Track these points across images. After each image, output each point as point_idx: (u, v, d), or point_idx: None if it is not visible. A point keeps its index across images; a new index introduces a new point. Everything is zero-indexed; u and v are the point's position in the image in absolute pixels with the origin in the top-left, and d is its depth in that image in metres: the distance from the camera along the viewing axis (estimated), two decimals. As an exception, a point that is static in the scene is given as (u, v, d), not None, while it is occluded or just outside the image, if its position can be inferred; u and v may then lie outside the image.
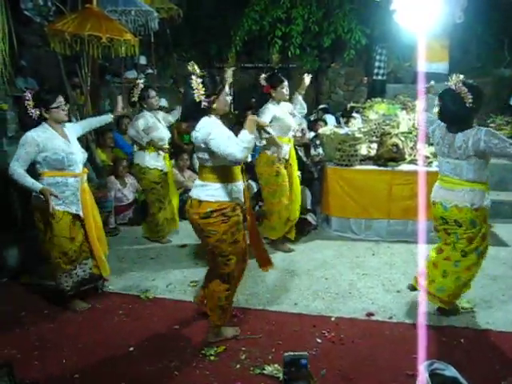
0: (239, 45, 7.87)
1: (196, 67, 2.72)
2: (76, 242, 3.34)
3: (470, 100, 2.93)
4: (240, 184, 2.84)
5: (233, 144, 2.56)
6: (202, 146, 2.67)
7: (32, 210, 3.32)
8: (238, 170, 2.83)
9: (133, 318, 3.40)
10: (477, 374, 2.64)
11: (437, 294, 3.28)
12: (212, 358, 2.88)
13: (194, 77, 2.66)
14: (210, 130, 2.62)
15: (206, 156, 2.71)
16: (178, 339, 3.08)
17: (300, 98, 4.69)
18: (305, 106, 4.79)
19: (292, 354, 2.31)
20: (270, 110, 4.31)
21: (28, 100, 3.16)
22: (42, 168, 3.22)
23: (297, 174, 4.70)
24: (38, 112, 3.18)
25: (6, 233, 4.36)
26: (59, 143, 3.21)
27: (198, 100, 2.63)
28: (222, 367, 2.79)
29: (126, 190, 5.51)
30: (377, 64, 8.30)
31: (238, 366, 2.80)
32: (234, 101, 9.26)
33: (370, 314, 3.43)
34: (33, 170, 3.24)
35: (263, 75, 4.44)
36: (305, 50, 8.11)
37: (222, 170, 2.74)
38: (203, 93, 2.64)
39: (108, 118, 3.90)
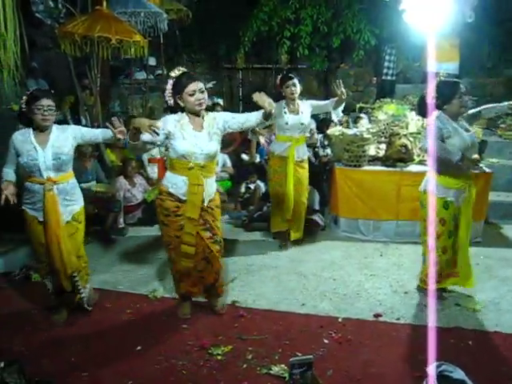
0: (248, 46, 7.87)
1: (176, 71, 3.06)
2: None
3: None
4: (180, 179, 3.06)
5: None
6: None
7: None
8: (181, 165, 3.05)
9: (140, 317, 3.43)
10: (484, 376, 2.64)
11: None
12: (219, 357, 2.89)
13: (170, 81, 3.06)
14: None
15: None
16: (186, 338, 3.10)
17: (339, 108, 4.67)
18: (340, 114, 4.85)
19: (298, 358, 2.32)
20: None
21: (22, 100, 3.13)
22: (23, 171, 3.17)
23: (303, 174, 4.63)
24: (24, 109, 3.09)
25: (17, 232, 4.42)
26: (28, 148, 3.06)
27: (166, 99, 3.07)
28: (229, 367, 2.80)
29: (135, 190, 5.54)
30: (386, 64, 8.25)
31: (245, 365, 2.81)
32: (242, 101, 9.28)
33: (377, 315, 3.42)
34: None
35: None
36: (313, 51, 8.09)
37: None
38: (170, 94, 3.04)
39: (109, 133, 3.39)
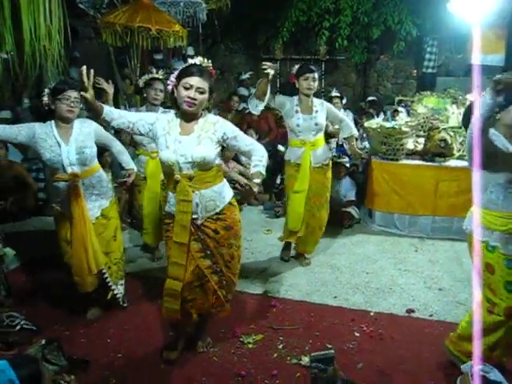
0: (286, 36, 7.83)
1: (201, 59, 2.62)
2: None
3: None
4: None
5: None
6: None
7: None
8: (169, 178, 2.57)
9: (174, 303, 3.49)
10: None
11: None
12: (250, 345, 2.93)
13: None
14: None
15: None
16: (218, 326, 3.13)
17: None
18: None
19: (318, 353, 2.31)
20: (282, 97, 4.00)
21: (44, 92, 3.01)
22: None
23: (323, 183, 4.02)
24: (46, 101, 2.97)
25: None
26: (51, 143, 2.95)
27: (168, 84, 2.61)
28: (260, 355, 2.83)
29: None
30: (427, 56, 8.05)
31: (276, 354, 2.84)
32: (280, 92, 9.23)
33: (410, 311, 3.39)
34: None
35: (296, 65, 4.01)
36: (353, 42, 7.96)
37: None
38: (173, 80, 2.55)
39: (132, 167, 3.44)
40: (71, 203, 2.99)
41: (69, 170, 2.95)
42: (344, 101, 6.85)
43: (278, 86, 8.75)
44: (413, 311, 3.38)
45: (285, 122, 3.99)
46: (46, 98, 2.95)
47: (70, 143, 2.95)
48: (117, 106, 5.91)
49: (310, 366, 2.06)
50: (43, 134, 2.94)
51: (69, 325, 3.16)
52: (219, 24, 7.34)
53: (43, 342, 2.64)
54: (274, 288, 3.71)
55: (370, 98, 7.67)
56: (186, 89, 2.43)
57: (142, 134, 2.60)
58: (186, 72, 2.47)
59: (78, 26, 5.44)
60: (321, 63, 8.44)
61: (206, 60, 2.59)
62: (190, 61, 2.60)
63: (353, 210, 5.19)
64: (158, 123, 2.53)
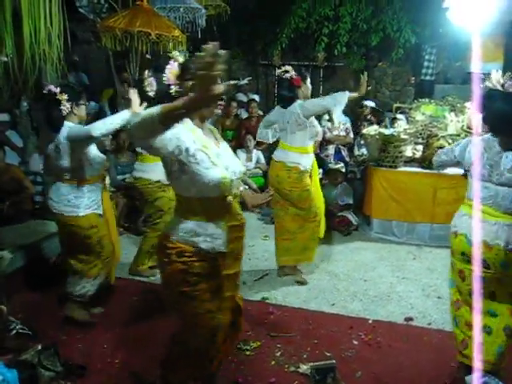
0: (285, 42, 7.84)
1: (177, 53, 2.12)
2: None
3: None
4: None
5: None
6: None
7: None
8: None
9: (172, 309, 3.47)
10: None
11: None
12: (248, 353, 2.91)
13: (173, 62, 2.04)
14: None
15: None
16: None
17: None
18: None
19: (319, 363, 2.30)
20: None
21: (60, 94, 3.01)
22: None
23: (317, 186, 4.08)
24: (69, 107, 3.02)
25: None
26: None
27: (168, 85, 2.02)
28: (258, 363, 2.82)
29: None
30: (426, 64, 8.08)
31: (273, 362, 2.82)
32: (277, 98, 9.25)
33: (408, 319, 3.38)
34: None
35: (287, 67, 3.82)
36: (351, 49, 7.98)
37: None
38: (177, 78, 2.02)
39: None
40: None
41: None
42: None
43: (276, 92, 8.75)
44: (411, 319, 3.37)
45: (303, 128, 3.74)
46: (67, 105, 2.99)
47: None
48: (116, 110, 5.94)
49: (311, 376, 2.04)
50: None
51: (65, 330, 3.14)
52: (218, 30, 7.35)
53: (39, 347, 2.62)
54: (271, 295, 3.69)
55: (370, 104, 7.55)
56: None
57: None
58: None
59: (78, 31, 5.44)
60: (319, 69, 8.46)
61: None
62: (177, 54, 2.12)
63: (351, 216, 5.19)
64: (181, 134, 1.85)
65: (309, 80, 3.88)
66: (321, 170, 5.44)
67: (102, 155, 3.17)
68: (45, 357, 2.58)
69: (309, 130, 3.74)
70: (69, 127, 2.99)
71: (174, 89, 1.95)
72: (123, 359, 2.85)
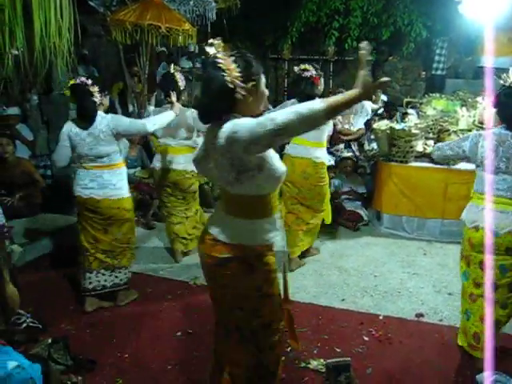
0: (295, 36, 7.80)
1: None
2: None
3: None
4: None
5: None
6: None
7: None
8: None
9: (181, 303, 3.48)
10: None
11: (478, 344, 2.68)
12: (257, 348, 2.89)
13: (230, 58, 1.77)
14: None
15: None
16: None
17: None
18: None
19: (335, 360, 2.28)
20: None
21: (93, 85, 3.18)
22: None
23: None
24: (101, 98, 3.25)
25: (65, 213, 4.58)
26: None
27: (228, 85, 1.73)
28: (267, 358, 2.80)
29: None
30: (437, 58, 8.00)
31: (283, 358, 2.79)
32: (288, 92, 9.20)
33: (419, 315, 3.35)
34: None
35: (312, 65, 3.86)
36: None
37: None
38: (241, 77, 1.76)
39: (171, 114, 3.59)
40: None
41: None
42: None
43: (286, 86, 8.72)
44: (422, 315, 3.34)
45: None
46: (98, 96, 3.18)
47: None
48: (125, 104, 5.94)
49: (326, 373, 2.02)
50: None
51: (75, 324, 3.15)
52: (228, 23, 7.32)
53: (49, 340, 2.63)
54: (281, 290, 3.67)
55: (383, 98, 7.47)
56: (266, 88, 1.92)
57: None
58: (261, 69, 1.88)
59: (88, 24, 5.43)
60: (329, 63, 8.41)
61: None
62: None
63: (362, 212, 5.16)
64: None
65: (322, 77, 3.92)
66: (332, 162, 5.46)
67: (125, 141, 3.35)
68: (55, 350, 2.59)
69: (327, 126, 3.90)
70: (101, 117, 3.17)
71: (239, 91, 1.75)
72: (133, 353, 2.85)
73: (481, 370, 2.45)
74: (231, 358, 2.06)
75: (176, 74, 3.98)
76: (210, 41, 1.81)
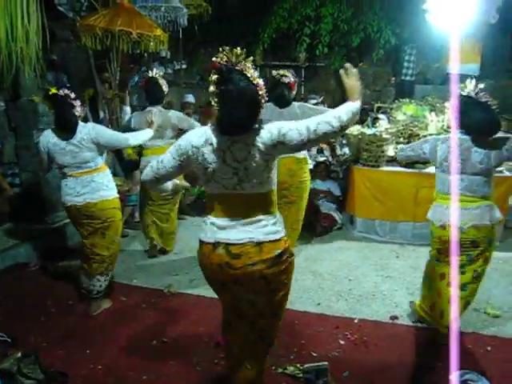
0: (267, 42, 7.83)
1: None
2: None
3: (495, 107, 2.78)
4: None
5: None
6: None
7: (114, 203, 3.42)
8: None
9: (156, 312, 3.43)
10: None
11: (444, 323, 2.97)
12: (234, 355, 2.87)
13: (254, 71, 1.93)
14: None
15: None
16: (201, 334, 3.09)
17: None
18: None
19: (312, 364, 2.28)
20: None
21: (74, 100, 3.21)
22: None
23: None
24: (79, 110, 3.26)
25: (35, 222, 4.47)
26: None
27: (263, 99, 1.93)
28: (244, 365, 2.78)
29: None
30: (405, 64, 8.16)
31: (260, 364, 2.79)
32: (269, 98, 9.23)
33: (394, 318, 3.39)
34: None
35: (288, 71, 4.00)
36: (333, 49, 8.02)
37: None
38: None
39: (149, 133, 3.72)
40: None
41: None
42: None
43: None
44: (396, 318, 3.38)
45: None
46: (79, 109, 3.24)
47: None
48: (96, 110, 5.85)
49: (303, 378, 2.02)
50: None
51: (46, 336, 3.06)
52: (199, 29, 7.30)
53: (19, 354, 2.55)
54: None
55: None
56: None
57: None
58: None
59: (57, 29, 5.32)
60: (300, 70, 8.48)
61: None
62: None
63: (336, 215, 5.20)
64: None
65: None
66: (311, 166, 5.50)
67: None
68: (25, 364, 2.51)
69: None
70: (81, 126, 3.21)
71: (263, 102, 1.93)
72: (107, 364, 2.79)
73: (444, 344, 2.77)
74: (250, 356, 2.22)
75: (159, 78, 4.18)
76: None
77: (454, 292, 2.84)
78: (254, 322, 2.10)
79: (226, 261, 1.94)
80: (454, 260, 2.82)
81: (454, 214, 2.77)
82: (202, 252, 2.03)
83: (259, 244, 1.93)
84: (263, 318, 2.10)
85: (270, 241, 1.95)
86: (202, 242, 2.04)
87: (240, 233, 1.94)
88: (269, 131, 1.91)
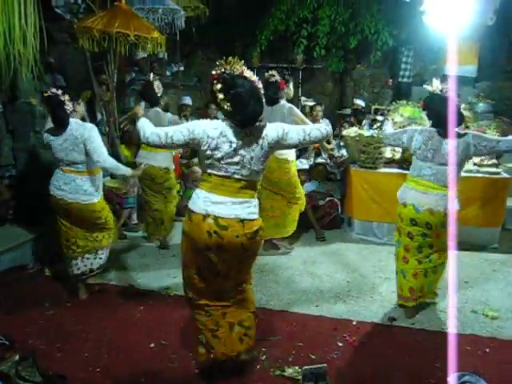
0: (264, 44, 7.83)
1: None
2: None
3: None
4: None
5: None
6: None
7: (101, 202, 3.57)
8: None
9: (154, 314, 3.42)
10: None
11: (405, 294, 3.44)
12: (232, 357, 2.86)
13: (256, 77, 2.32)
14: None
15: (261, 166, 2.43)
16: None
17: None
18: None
19: (311, 367, 2.27)
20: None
21: (62, 95, 3.33)
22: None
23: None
24: (70, 106, 3.37)
25: (32, 225, 4.46)
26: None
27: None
28: (243, 367, 2.77)
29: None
30: (403, 66, 8.18)
31: (258, 366, 2.79)
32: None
33: (392, 319, 3.39)
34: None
35: (273, 72, 4.31)
36: (330, 51, 8.03)
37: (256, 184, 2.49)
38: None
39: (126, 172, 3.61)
40: None
41: None
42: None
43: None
44: (394, 319, 3.38)
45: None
46: (70, 104, 3.35)
47: None
48: (93, 113, 5.84)
49: (302, 380, 2.02)
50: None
51: (44, 338, 3.05)
52: (197, 31, 7.30)
53: (17, 357, 2.53)
54: (254, 298, 3.65)
55: (359, 102, 7.69)
56: None
57: None
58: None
59: (54, 31, 5.31)
60: (298, 71, 8.49)
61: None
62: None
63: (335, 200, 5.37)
64: None
65: (291, 83, 4.46)
66: (306, 166, 5.54)
67: None
68: (23, 367, 2.49)
69: None
70: (78, 124, 3.38)
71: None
72: (105, 367, 2.78)
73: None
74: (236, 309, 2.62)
75: (155, 82, 4.38)
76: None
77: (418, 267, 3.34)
78: (227, 274, 2.49)
79: (214, 229, 2.32)
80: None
81: (412, 195, 3.26)
82: (192, 220, 2.38)
83: (242, 221, 2.35)
84: (233, 270, 2.50)
85: (251, 219, 2.38)
86: (192, 212, 2.38)
87: (229, 209, 2.34)
88: (276, 129, 2.37)
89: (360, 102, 7.62)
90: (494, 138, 3.18)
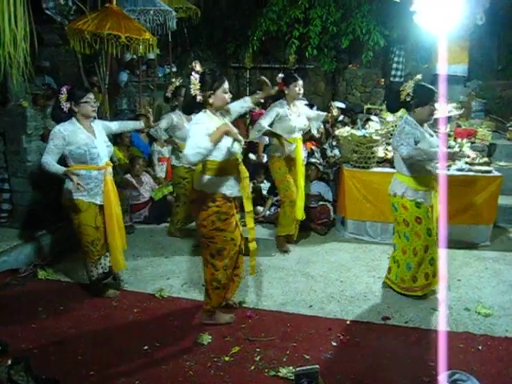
0: (256, 45, 7.85)
1: (198, 65, 2.91)
2: (100, 231, 3.54)
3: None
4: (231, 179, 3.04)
5: (189, 146, 2.75)
6: None
7: (63, 204, 3.52)
8: (229, 164, 3.00)
9: (148, 316, 3.41)
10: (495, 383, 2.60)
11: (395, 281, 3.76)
12: (226, 358, 2.87)
13: (193, 73, 2.87)
14: (191, 126, 2.91)
15: None
16: (193, 339, 3.08)
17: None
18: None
19: (303, 368, 2.28)
20: (273, 111, 4.35)
21: (62, 94, 3.35)
22: (69, 161, 3.43)
23: (301, 173, 4.60)
24: (68, 105, 3.37)
25: (25, 228, 4.44)
26: (83, 137, 3.37)
27: (193, 94, 2.87)
28: (237, 368, 2.78)
29: (142, 189, 5.54)
30: (394, 66, 8.23)
31: (253, 367, 2.79)
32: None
33: (385, 318, 3.40)
34: (64, 164, 3.43)
35: (280, 74, 4.46)
36: (322, 51, 8.06)
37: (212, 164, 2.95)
38: (199, 88, 2.87)
39: (139, 124, 4.01)
40: (108, 190, 3.46)
41: (103, 160, 3.46)
42: (314, 109, 6.89)
43: (248, 94, 8.74)
44: (388, 318, 3.39)
45: (275, 126, 4.38)
46: (65, 104, 3.36)
47: (97, 137, 3.45)
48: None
49: (295, 381, 2.02)
50: (72, 131, 3.35)
51: (37, 342, 3.03)
52: (189, 32, 7.31)
53: (9, 361, 2.52)
54: (248, 298, 3.66)
55: (339, 105, 7.57)
56: (226, 93, 3.00)
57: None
58: (220, 80, 2.96)
59: (45, 33, 5.30)
60: (290, 72, 8.51)
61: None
62: (197, 68, 2.93)
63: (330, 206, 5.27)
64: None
65: (294, 84, 4.37)
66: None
67: None
68: (15, 371, 2.48)
69: (279, 126, 4.38)
70: (68, 123, 3.39)
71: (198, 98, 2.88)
72: (99, 370, 2.77)
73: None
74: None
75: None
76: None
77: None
78: None
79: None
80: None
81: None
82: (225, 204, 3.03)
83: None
84: None
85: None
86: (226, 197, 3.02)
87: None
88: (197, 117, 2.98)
89: (339, 105, 7.43)
90: (404, 139, 3.41)
